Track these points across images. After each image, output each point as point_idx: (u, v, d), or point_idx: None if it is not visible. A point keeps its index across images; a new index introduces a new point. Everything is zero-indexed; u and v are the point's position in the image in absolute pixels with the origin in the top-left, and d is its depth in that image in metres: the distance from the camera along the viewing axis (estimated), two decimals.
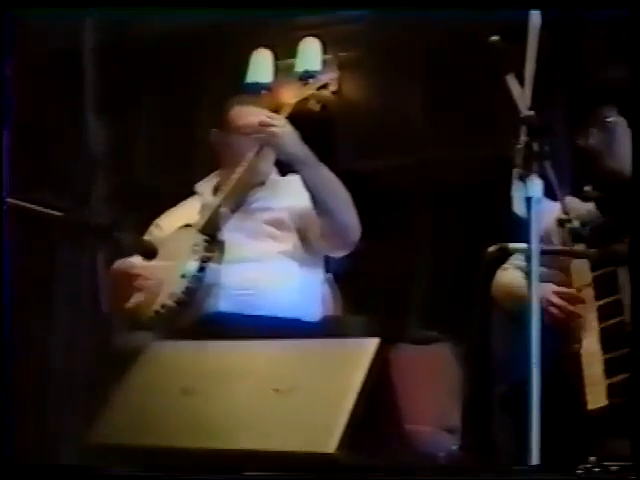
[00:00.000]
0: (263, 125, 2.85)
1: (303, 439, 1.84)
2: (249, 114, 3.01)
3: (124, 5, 3.03)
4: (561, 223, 2.39)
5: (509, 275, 2.66)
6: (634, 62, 2.32)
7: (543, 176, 2.06)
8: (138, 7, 3.06)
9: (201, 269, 2.82)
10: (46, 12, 2.85)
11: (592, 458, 2.32)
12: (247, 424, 1.97)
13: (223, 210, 2.93)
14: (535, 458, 1.87)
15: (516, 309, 2.48)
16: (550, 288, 2.46)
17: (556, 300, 2.44)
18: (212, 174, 3.15)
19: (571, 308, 2.44)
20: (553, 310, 2.44)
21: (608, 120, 2.57)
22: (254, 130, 2.89)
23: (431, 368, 3.59)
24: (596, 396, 2.33)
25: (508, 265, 2.68)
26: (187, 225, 2.93)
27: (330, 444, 1.79)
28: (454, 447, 3.32)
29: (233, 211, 2.97)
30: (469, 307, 3.05)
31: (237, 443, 1.95)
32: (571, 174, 2.62)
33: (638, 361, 2.10)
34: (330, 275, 3.09)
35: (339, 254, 2.99)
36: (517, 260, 2.62)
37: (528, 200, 1.99)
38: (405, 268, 3.96)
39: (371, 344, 1.94)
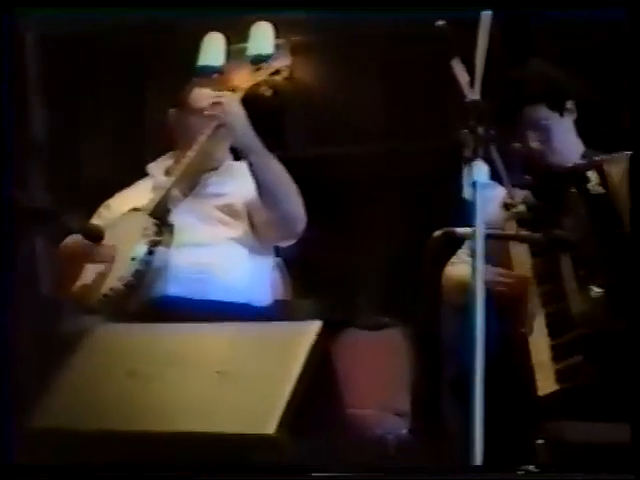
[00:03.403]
0: (216, 106, 2.84)
1: (244, 421, 1.85)
2: (204, 96, 3.00)
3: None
4: (507, 207, 2.42)
5: (457, 269, 2.67)
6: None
7: (489, 161, 2.07)
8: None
9: (150, 252, 2.80)
10: None
11: (540, 441, 2.36)
12: (190, 407, 1.98)
13: (175, 193, 2.92)
14: (479, 445, 1.88)
15: (466, 302, 2.50)
16: (495, 270, 2.47)
17: (501, 279, 2.45)
18: (165, 155, 3.13)
19: (515, 282, 2.45)
20: (499, 288, 2.44)
21: (542, 122, 2.59)
22: (207, 111, 2.88)
23: (382, 353, 3.61)
24: (546, 382, 2.35)
25: (456, 259, 2.69)
26: (137, 208, 2.91)
27: (270, 426, 1.80)
28: (404, 431, 3.35)
29: (185, 195, 2.97)
30: (419, 293, 3.07)
31: (180, 425, 1.95)
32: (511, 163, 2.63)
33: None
34: (280, 260, 3.09)
35: (284, 244, 3.00)
36: (464, 254, 2.64)
37: (474, 184, 2.00)
38: (356, 254, 3.97)
39: (313, 327, 1.94)
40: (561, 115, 2.63)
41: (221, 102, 2.84)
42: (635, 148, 2.31)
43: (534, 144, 2.60)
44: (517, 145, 2.62)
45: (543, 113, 2.61)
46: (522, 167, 2.61)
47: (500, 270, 2.48)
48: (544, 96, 2.60)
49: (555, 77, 2.67)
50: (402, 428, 3.35)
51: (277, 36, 3.86)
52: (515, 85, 2.65)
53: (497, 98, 2.55)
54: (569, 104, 2.64)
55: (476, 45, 2.07)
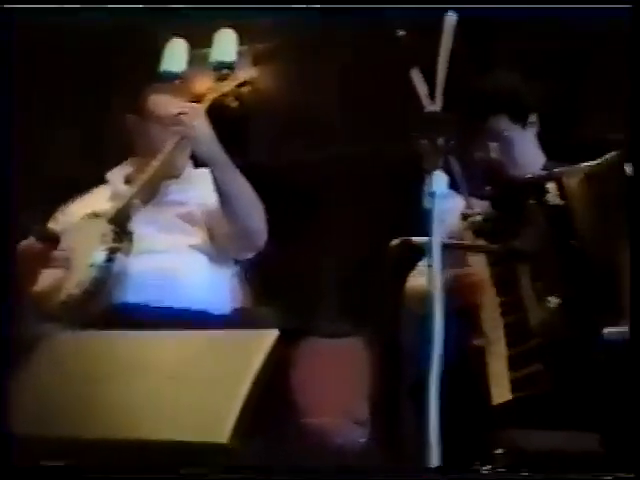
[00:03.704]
0: (181, 117, 2.82)
1: (198, 429, 1.85)
2: (167, 103, 2.98)
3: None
4: (465, 217, 2.44)
5: (417, 281, 2.67)
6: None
7: (448, 171, 2.08)
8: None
9: (109, 259, 2.79)
10: None
11: (499, 450, 2.38)
12: (145, 414, 1.96)
13: (135, 201, 2.91)
14: (435, 452, 1.88)
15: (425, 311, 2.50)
16: (451, 272, 2.47)
17: (459, 280, 2.46)
18: (124, 162, 3.12)
19: (474, 281, 2.46)
20: (456, 289, 2.44)
21: (504, 133, 2.61)
22: (172, 121, 2.86)
23: (342, 361, 3.61)
24: (500, 391, 2.36)
25: (417, 272, 2.70)
26: (96, 214, 2.90)
27: (223, 434, 1.80)
28: (362, 439, 3.35)
29: (145, 203, 2.95)
30: (379, 301, 3.08)
31: (134, 433, 1.94)
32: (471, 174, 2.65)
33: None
34: (240, 268, 3.09)
35: (243, 257, 2.99)
36: (424, 266, 2.64)
37: (432, 194, 2.01)
38: (317, 262, 3.98)
39: (269, 335, 1.94)
40: (523, 127, 2.65)
41: (186, 114, 2.82)
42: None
43: (495, 154, 2.61)
44: (478, 155, 2.63)
45: (505, 124, 2.63)
46: (482, 177, 2.63)
47: (456, 272, 2.48)
48: (507, 107, 2.62)
49: (519, 89, 2.69)
50: (361, 437, 3.35)
51: (240, 43, 3.87)
52: (479, 95, 2.67)
53: (460, 107, 2.57)
54: (532, 117, 2.66)
55: (438, 55, 2.09)
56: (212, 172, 2.82)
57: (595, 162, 2.44)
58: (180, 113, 2.82)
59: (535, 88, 2.75)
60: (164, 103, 2.98)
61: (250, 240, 2.88)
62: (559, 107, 3.75)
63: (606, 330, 2.24)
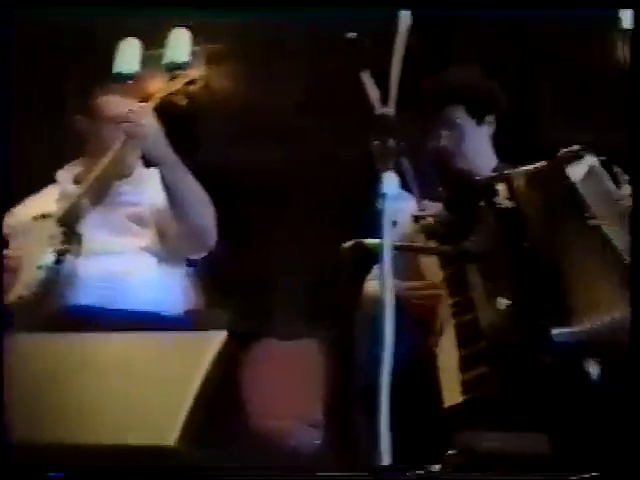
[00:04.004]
0: (129, 116, 2.80)
1: (145, 433, 1.83)
2: (116, 103, 2.96)
3: None
4: (417, 219, 2.44)
5: (372, 286, 2.66)
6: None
7: (400, 173, 2.08)
8: None
9: (58, 261, 2.76)
10: None
11: (451, 452, 2.38)
12: (93, 417, 1.94)
13: (84, 201, 2.88)
14: (386, 454, 1.88)
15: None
16: (408, 284, 2.48)
17: (412, 293, 2.46)
18: (74, 162, 3.09)
19: (426, 293, 2.46)
20: (413, 302, 2.45)
21: (457, 121, 2.62)
22: (120, 120, 2.84)
23: (296, 363, 3.61)
24: (452, 393, 2.36)
25: (372, 276, 2.69)
26: (45, 215, 2.87)
27: (170, 437, 1.78)
28: (316, 442, 3.34)
29: (94, 204, 2.92)
30: (333, 303, 3.07)
31: (82, 436, 1.92)
32: (423, 175, 2.66)
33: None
34: (191, 269, 3.07)
35: (194, 256, 2.97)
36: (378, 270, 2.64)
37: (383, 196, 2.01)
38: (271, 263, 3.97)
39: (218, 337, 1.92)
40: (478, 123, 2.66)
41: (134, 113, 2.80)
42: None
43: (445, 142, 2.61)
44: (430, 144, 2.63)
45: (460, 115, 2.63)
46: (432, 169, 2.63)
47: (413, 284, 2.49)
48: (465, 100, 2.63)
49: (480, 85, 2.70)
50: (315, 439, 3.35)
51: (194, 43, 3.86)
52: (438, 84, 2.68)
53: (418, 96, 2.58)
54: (489, 117, 2.67)
55: (391, 57, 2.09)
56: (160, 171, 2.81)
57: (541, 164, 2.45)
58: (128, 112, 2.79)
59: (495, 88, 2.76)
60: (114, 103, 2.96)
61: (200, 239, 2.87)
62: (515, 109, 3.77)
63: (555, 331, 2.26)
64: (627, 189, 2.37)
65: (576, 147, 2.41)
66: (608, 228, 2.32)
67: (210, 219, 2.84)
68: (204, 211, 2.83)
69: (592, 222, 2.33)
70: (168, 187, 2.80)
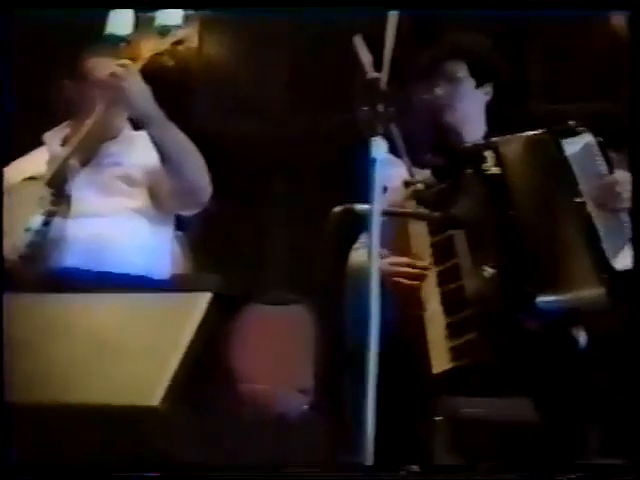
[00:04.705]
0: (113, 76, 2.79)
1: (130, 393, 1.84)
2: (105, 66, 2.94)
3: None
4: (406, 185, 2.43)
5: (360, 255, 2.66)
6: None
7: (389, 138, 2.08)
8: None
9: (46, 223, 2.76)
10: None
11: (439, 418, 2.39)
12: (77, 378, 1.96)
13: (72, 163, 2.86)
14: (371, 423, 1.89)
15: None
16: (389, 260, 2.47)
17: (396, 269, 2.45)
18: (62, 124, 3.06)
19: (411, 272, 2.45)
20: (395, 279, 2.44)
21: (456, 75, 2.60)
22: (105, 82, 2.82)
23: (285, 329, 3.61)
24: (440, 360, 2.37)
25: (359, 245, 2.69)
26: (33, 177, 2.86)
27: (154, 397, 1.79)
28: (305, 407, 3.35)
29: (83, 165, 2.90)
30: (323, 269, 3.06)
31: (68, 396, 1.93)
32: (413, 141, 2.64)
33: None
34: (181, 233, 3.06)
35: (189, 213, 2.96)
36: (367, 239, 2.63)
37: (372, 161, 2.00)
38: (260, 229, 3.96)
39: (203, 299, 1.92)
40: (477, 86, 2.64)
41: (120, 72, 2.78)
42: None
43: (440, 93, 2.60)
44: (424, 97, 2.62)
45: (461, 71, 2.62)
46: (424, 144, 2.62)
47: (394, 259, 2.47)
48: (469, 57, 2.62)
49: (485, 49, 2.69)
50: (303, 404, 3.36)
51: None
52: (445, 40, 2.67)
53: (419, 53, 2.57)
54: (488, 85, 2.66)
55: (385, 23, 2.07)
56: (149, 130, 2.80)
57: (531, 132, 2.45)
58: (113, 73, 2.78)
59: (498, 55, 2.75)
60: (103, 65, 2.94)
61: (196, 195, 2.86)
62: (512, 81, 3.76)
63: (540, 298, 2.27)
64: (620, 174, 2.38)
65: (574, 122, 2.42)
66: (593, 208, 2.34)
67: (204, 174, 2.84)
68: (197, 166, 2.83)
69: (577, 199, 2.35)
70: (158, 145, 2.79)
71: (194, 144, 2.85)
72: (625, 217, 2.35)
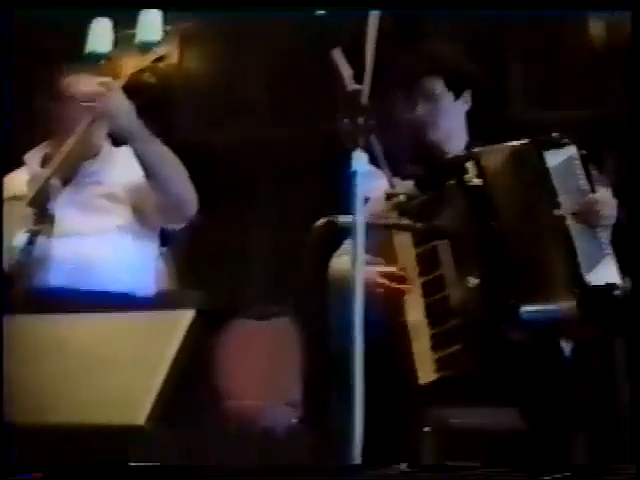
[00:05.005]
0: (96, 93, 2.79)
1: (115, 412, 1.83)
2: (83, 83, 2.94)
3: None
4: (388, 197, 2.43)
5: (341, 262, 2.66)
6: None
7: (369, 150, 2.08)
8: None
9: (30, 242, 2.75)
10: None
11: (427, 429, 2.39)
12: (61, 397, 1.94)
13: (53, 182, 2.86)
14: (359, 432, 1.89)
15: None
16: (374, 270, 2.47)
17: (380, 280, 2.45)
18: (42, 144, 3.05)
19: (394, 286, 2.45)
20: (378, 290, 2.44)
21: (434, 92, 2.60)
22: (87, 99, 2.83)
23: (271, 342, 3.61)
24: (426, 371, 2.37)
25: (341, 251, 2.69)
26: (15, 197, 2.85)
27: (139, 416, 1.78)
28: (293, 420, 3.35)
29: (65, 184, 2.90)
30: (305, 281, 3.06)
31: (52, 417, 1.92)
32: (394, 153, 2.65)
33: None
34: (165, 249, 3.06)
35: (175, 226, 2.96)
36: (349, 245, 2.63)
37: (353, 174, 2.00)
38: (243, 243, 3.96)
39: (186, 316, 1.92)
40: (455, 98, 2.64)
41: (102, 90, 2.79)
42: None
43: (420, 112, 2.59)
44: (405, 115, 2.62)
45: (439, 87, 2.62)
46: (406, 155, 2.62)
47: (378, 269, 2.47)
48: (445, 72, 2.62)
49: (460, 59, 2.69)
50: (292, 418, 3.35)
51: (166, 22, 3.83)
52: (419, 56, 2.66)
53: (396, 68, 2.57)
54: (466, 93, 2.66)
55: (364, 35, 2.08)
56: (132, 146, 2.80)
57: (513, 143, 2.46)
58: (96, 91, 2.78)
59: (475, 64, 2.75)
60: (83, 83, 2.94)
61: (182, 209, 2.87)
62: (491, 88, 3.77)
63: (524, 308, 2.28)
64: (601, 192, 2.39)
65: (558, 134, 2.43)
66: (572, 222, 2.35)
67: (189, 187, 2.85)
68: (182, 180, 2.83)
69: (557, 212, 2.36)
70: (142, 160, 2.79)
71: (178, 158, 2.86)
72: (604, 233, 2.37)
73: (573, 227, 2.35)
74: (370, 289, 2.30)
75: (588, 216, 2.35)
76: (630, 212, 2.36)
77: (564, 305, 2.28)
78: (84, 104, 2.83)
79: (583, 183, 2.39)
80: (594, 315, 2.27)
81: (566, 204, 2.36)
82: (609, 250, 2.34)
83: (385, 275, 2.45)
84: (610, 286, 2.29)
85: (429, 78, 2.60)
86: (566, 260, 2.32)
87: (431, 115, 2.60)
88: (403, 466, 2.10)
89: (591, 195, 2.37)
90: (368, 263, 2.35)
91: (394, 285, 2.43)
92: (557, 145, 2.41)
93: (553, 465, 2.23)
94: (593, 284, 2.29)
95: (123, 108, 2.78)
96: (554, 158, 2.40)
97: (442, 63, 2.63)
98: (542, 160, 2.39)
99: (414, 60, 2.65)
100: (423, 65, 2.62)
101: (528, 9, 3.14)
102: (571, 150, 2.40)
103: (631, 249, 2.31)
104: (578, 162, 2.40)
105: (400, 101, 2.62)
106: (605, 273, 2.31)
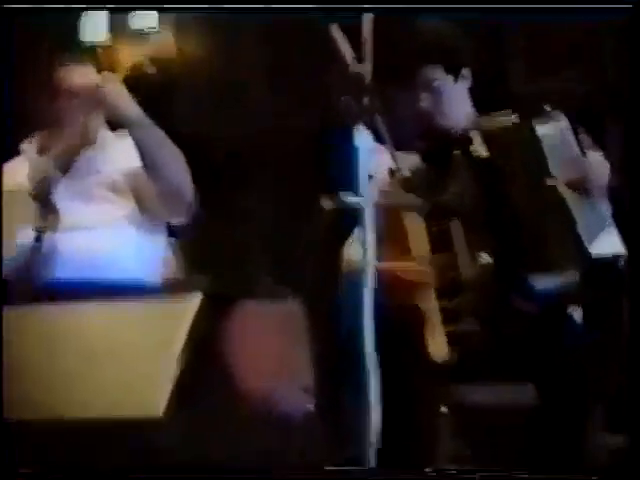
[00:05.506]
0: (96, 88, 2.77)
1: (131, 404, 1.81)
2: (80, 73, 2.91)
3: None
4: (392, 173, 2.42)
5: (355, 249, 2.64)
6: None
7: (373, 128, 2.07)
8: None
9: (37, 239, 2.74)
10: None
11: (443, 408, 2.39)
12: (77, 391, 1.93)
13: (53, 173, 2.84)
14: (376, 414, 1.88)
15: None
16: (393, 266, 2.45)
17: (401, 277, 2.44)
18: (39, 134, 3.02)
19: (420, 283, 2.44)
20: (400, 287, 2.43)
21: (436, 81, 2.59)
22: (85, 91, 2.80)
23: (283, 326, 3.58)
24: (438, 346, 2.37)
25: (353, 240, 2.67)
26: (14, 189, 2.83)
27: (157, 408, 1.76)
28: (309, 406, 3.33)
29: (64, 174, 2.88)
30: (315, 263, 3.05)
31: (66, 410, 1.90)
32: (400, 129, 2.63)
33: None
34: (172, 239, 3.04)
35: (176, 218, 2.93)
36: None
37: (356, 151, 1.99)
38: (250, 228, 3.94)
39: (194, 300, 1.90)
40: (455, 80, 2.63)
41: (101, 83, 2.77)
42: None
43: (425, 104, 2.58)
44: (411, 107, 2.60)
45: (437, 75, 2.60)
46: (412, 129, 2.61)
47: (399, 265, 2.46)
48: (441, 58, 2.60)
49: (452, 41, 2.67)
50: (308, 403, 3.33)
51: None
52: (413, 46, 2.64)
53: (392, 58, 2.56)
54: (464, 71, 2.64)
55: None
56: (131, 133, 2.78)
57: (507, 115, 2.46)
58: (94, 83, 2.76)
59: (469, 42, 2.73)
60: (77, 73, 2.92)
61: (180, 197, 2.82)
62: (491, 62, 3.75)
63: (535, 281, 2.27)
64: (592, 156, 2.39)
65: (549, 106, 2.43)
66: (564, 189, 2.35)
67: (186, 176, 2.81)
68: (180, 169, 2.80)
69: (549, 181, 2.36)
70: (141, 147, 2.76)
71: (177, 146, 2.83)
72: (603, 204, 2.37)
73: (570, 197, 2.36)
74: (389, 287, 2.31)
75: (582, 181, 2.36)
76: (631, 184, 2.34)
77: (566, 276, 2.28)
78: (81, 96, 2.81)
79: (575, 152, 2.39)
80: (598, 285, 2.27)
81: (560, 175, 2.37)
82: (610, 220, 2.34)
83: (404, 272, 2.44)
84: (614, 256, 2.29)
85: (426, 68, 2.59)
86: (566, 230, 2.32)
87: (437, 105, 2.59)
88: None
89: (583, 159, 2.38)
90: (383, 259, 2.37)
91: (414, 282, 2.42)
92: (548, 116, 2.41)
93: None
94: (596, 254, 2.29)
95: (121, 93, 2.77)
96: (545, 128, 2.41)
97: (438, 49, 2.61)
98: (534, 132, 2.40)
99: (410, 49, 2.63)
100: (420, 54, 2.60)
101: None
102: (562, 121, 2.41)
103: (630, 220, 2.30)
104: (569, 132, 2.40)
105: (402, 91, 2.61)
106: (608, 243, 2.31)
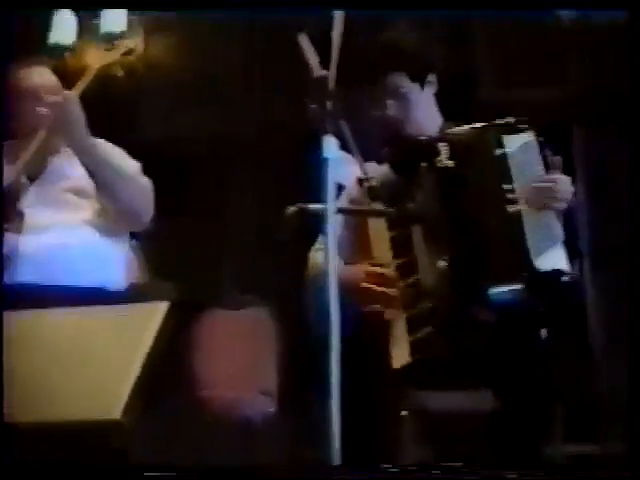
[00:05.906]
0: (52, 102, 2.75)
1: (90, 407, 1.81)
2: (39, 73, 2.90)
3: None
4: (360, 182, 2.43)
5: (319, 256, 2.64)
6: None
7: (341, 137, 2.08)
8: None
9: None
10: None
11: (404, 412, 2.41)
12: (38, 395, 1.92)
13: (21, 179, 2.82)
14: (336, 420, 1.89)
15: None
16: (362, 270, 2.46)
17: (370, 286, 2.45)
18: (7, 142, 3.01)
19: (385, 291, 2.44)
20: (367, 297, 2.44)
21: (401, 89, 2.60)
22: (44, 92, 2.80)
23: (246, 332, 3.59)
24: (400, 354, 2.38)
25: (319, 245, 2.68)
26: None
27: (115, 410, 1.77)
28: (270, 410, 3.34)
29: (31, 180, 2.87)
30: (281, 270, 3.06)
31: (29, 414, 1.90)
32: (368, 138, 2.64)
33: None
34: (135, 242, 3.03)
35: (134, 230, 2.94)
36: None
37: (325, 160, 2.00)
38: (216, 233, 3.94)
39: (160, 308, 1.91)
40: (421, 87, 2.64)
41: (58, 100, 2.76)
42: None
43: (392, 112, 2.59)
44: (375, 113, 2.61)
45: (403, 82, 2.61)
46: (379, 137, 2.62)
47: (368, 268, 2.47)
48: (406, 65, 2.61)
49: (418, 48, 2.68)
50: (269, 407, 3.34)
51: (130, 12, 3.78)
52: (378, 52, 2.65)
53: (358, 65, 2.57)
54: (430, 77, 2.65)
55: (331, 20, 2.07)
56: (81, 159, 2.78)
57: (475, 126, 2.47)
58: (54, 99, 2.75)
59: (434, 48, 2.75)
60: (43, 77, 2.91)
61: (132, 217, 2.85)
62: (458, 68, 3.77)
63: (493, 290, 2.30)
64: (555, 174, 2.42)
65: (516, 119, 2.45)
66: (525, 207, 2.38)
67: (141, 197, 2.82)
68: (133, 191, 2.80)
69: (510, 196, 2.38)
70: (91, 173, 2.78)
71: (144, 151, 2.83)
72: (555, 219, 2.40)
73: (526, 212, 2.38)
74: (353, 285, 2.33)
75: (542, 199, 2.38)
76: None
77: (514, 288, 2.31)
78: (45, 103, 2.79)
79: (540, 169, 2.42)
80: (541, 299, 2.31)
81: (521, 188, 2.39)
82: (561, 236, 2.38)
83: (370, 275, 2.45)
84: (557, 272, 2.33)
85: (393, 75, 2.59)
86: (517, 244, 2.35)
87: (404, 112, 2.59)
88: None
89: (546, 176, 2.40)
90: (350, 262, 2.39)
91: (380, 288, 2.43)
92: (515, 130, 2.44)
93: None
94: (543, 269, 2.32)
95: (75, 121, 2.74)
96: (512, 142, 2.43)
97: (403, 55, 2.62)
98: (501, 144, 2.41)
99: (376, 56, 2.63)
100: (385, 61, 2.61)
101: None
102: (529, 136, 2.43)
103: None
104: (535, 147, 2.42)
105: (368, 98, 2.62)
106: (554, 259, 2.35)
